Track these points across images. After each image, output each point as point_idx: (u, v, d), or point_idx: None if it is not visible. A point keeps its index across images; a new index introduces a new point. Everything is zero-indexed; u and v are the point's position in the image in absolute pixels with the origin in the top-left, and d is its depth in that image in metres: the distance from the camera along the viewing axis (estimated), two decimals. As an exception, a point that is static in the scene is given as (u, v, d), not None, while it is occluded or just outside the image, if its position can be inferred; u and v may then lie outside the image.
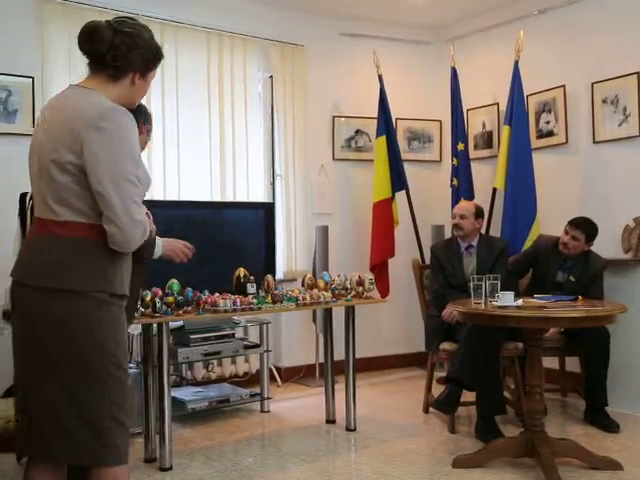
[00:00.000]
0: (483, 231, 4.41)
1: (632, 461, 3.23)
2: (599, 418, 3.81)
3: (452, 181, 5.19)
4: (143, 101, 4.31)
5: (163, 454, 3.26)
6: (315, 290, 3.70)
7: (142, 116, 2.64)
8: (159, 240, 2.50)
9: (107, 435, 1.82)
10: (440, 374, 4.40)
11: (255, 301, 3.44)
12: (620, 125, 4.43)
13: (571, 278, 4.01)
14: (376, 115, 5.23)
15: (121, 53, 1.89)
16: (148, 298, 3.14)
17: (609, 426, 3.74)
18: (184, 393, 4.16)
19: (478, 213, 4.16)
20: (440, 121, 5.69)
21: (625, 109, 4.39)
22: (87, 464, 1.85)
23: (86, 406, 1.80)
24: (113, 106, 1.84)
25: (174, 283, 3.27)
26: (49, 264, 1.81)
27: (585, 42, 4.64)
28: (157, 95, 4.50)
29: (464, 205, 4.27)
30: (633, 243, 4.23)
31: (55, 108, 1.90)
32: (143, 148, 2.71)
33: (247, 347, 4.24)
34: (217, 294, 3.41)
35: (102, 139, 1.78)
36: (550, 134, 4.88)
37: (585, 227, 3.97)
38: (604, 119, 4.52)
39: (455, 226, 4.15)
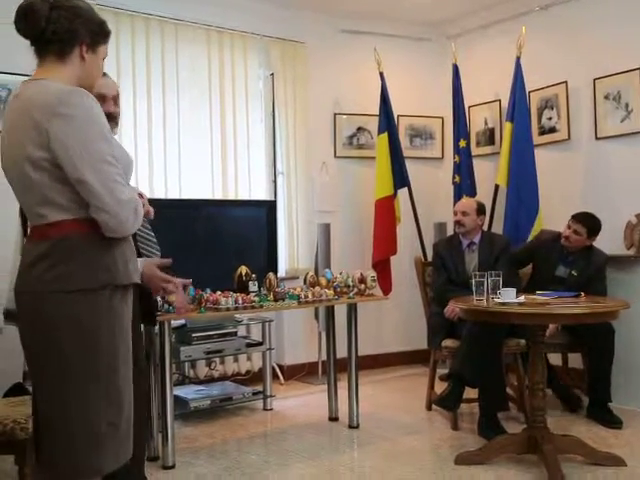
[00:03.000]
0: (485, 228, 4.41)
1: (635, 457, 3.23)
2: (602, 414, 3.81)
3: (454, 178, 5.18)
4: (144, 101, 4.40)
5: (166, 452, 3.26)
6: (317, 288, 3.69)
7: None
8: (140, 261, 2.11)
9: (101, 438, 1.77)
10: (443, 371, 4.40)
11: (257, 299, 3.44)
12: (622, 121, 4.41)
13: (573, 272, 4.00)
14: (378, 112, 5.21)
15: (62, 26, 1.79)
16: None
17: (612, 422, 3.74)
18: (186, 391, 4.17)
19: (480, 210, 4.16)
20: (442, 118, 5.67)
21: (627, 105, 4.37)
22: (80, 466, 1.79)
23: (81, 407, 1.75)
24: (70, 89, 1.75)
25: (176, 281, 3.27)
26: (44, 268, 1.75)
27: (587, 38, 4.63)
28: (158, 93, 4.50)
29: (466, 202, 4.26)
30: (635, 239, 4.22)
31: (13, 109, 1.82)
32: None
33: (249, 345, 4.26)
34: (219, 292, 3.40)
35: (67, 125, 1.70)
36: (552, 130, 4.87)
37: (587, 221, 3.97)
38: (606, 115, 4.50)
39: (457, 223, 4.15)
